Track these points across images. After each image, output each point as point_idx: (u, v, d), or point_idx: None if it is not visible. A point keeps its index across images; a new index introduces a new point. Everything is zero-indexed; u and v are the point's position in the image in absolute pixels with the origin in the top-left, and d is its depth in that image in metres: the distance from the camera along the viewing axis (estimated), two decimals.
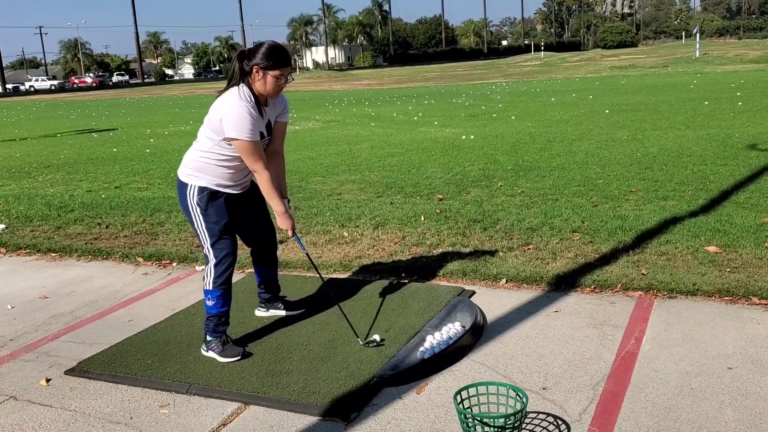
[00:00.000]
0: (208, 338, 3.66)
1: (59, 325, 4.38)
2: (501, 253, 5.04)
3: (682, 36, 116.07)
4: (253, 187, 3.74)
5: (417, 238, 5.62)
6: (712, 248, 4.81)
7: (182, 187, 3.60)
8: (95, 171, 10.41)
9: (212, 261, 3.62)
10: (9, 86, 78.35)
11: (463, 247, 5.26)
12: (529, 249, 5.12)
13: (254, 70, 3.40)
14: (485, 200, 6.77)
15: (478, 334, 3.71)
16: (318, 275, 4.20)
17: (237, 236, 3.77)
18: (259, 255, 4.02)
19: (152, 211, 7.10)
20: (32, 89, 79.08)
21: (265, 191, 3.54)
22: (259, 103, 3.49)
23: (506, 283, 4.51)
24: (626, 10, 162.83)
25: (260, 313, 4.16)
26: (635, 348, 3.49)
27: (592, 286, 4.34)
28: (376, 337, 3.69)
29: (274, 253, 4.07)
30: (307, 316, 4.11)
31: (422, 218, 6.17)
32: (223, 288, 3.63)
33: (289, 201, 3.80)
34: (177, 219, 6.73)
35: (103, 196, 8.17)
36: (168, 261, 5.58)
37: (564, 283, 4.41)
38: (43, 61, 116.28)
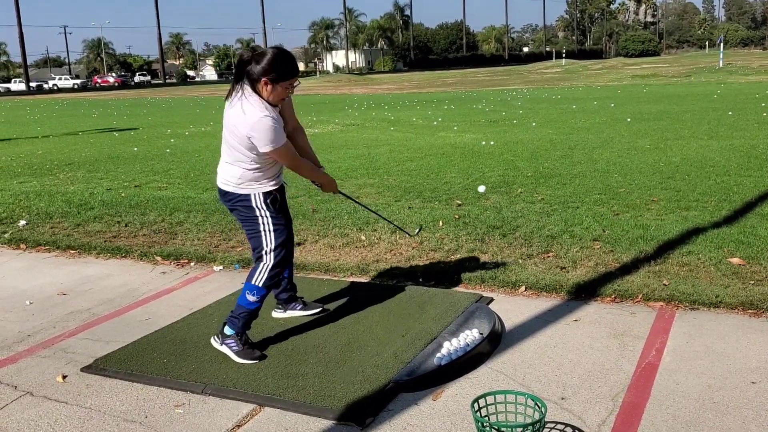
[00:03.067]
0: (227, 332, 3.61)
1: (77, 322, 4.39)
2: (520, 261, 4.99)
3: (705, 45, 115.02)
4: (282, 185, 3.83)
5: (435, 243, 5.58)
6: (735, 260, 4.73)
7: (242, 198, 3.58)
8: (115, 169, 10.48)
9: (271, 262, 3.64)
10: (33, 84, 79.35)
11: (482, 254, 5.22)
12: (548, 257, 5.06)
13: (263, 82, 3.35)
14: (505, 206, 6.71)
15: (495, 341, 3.67)
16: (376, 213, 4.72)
17: None
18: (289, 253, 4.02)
19: (171, 211, 7.13)
20: (55, 88, 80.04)
21: (309, 175, 3.73)
22: (272, 105, 3.47)
23: (525, 290, 4.47)
24: (649, 19, 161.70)
25: (278, 314, 4.15)
26: (656, 359, 3.43)
27: (613, 296, 4.28)
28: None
29: (293, 251, 4.08)
30: (323, 318, 4.09)
31: (440, 223, 6.13)
32: (270, 288, 3.68)
33: (324, 168, 3.95)
34: (196, 219, 6.75)
35: (122, 194, 8.22)
36: (186, 260, 5.59)
37: (584, 292, 4.36)
38: (66, 60, 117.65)
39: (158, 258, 5.67)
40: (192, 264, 5.53)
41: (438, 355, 3.45)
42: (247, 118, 3.34)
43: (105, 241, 6.18)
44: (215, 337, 3.69)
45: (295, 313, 4.11)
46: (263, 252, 3.64)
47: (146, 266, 5.55)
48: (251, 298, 3.60)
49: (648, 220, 5.97)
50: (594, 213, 6.28)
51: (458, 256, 5.23)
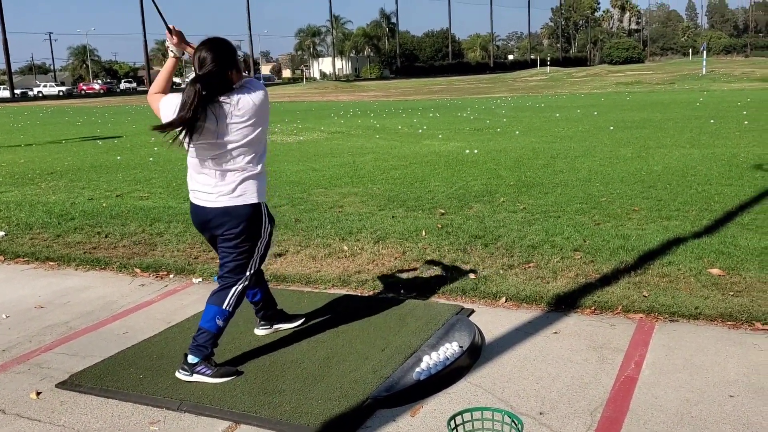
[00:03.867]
0: (193, 360, 3.44)
1: (53, 336, 4.34)
2: (501, 271, 4.99)
3: (689, 53, 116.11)
4: None
5: (417, 253, 5.57)
6: (715, 270, 4.75)
7: (252, 209, 3.43)
8: (98, 179, 10.40)
9: (244, 283, 3.55)
10: (18, 91, 78.72)
11: (464, 264, 5.21)
12: (529, 267, 5.06)
13: (237, 64, 3.41)
14: (487, 216, 6.72)
15: (475, 355, 3.65)
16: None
17: None
18: (259, 271, 3.99)
19: (152, 221, 7.07)
20: (40, 95, 79.44)
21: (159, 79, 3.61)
22: None
23: (506, 302, 4.46)
24: (633, 26, 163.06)
25: (263, 331, 4.09)
26: (635, 373, 3.43)
27: (593, 308, 4.28)
28: None
29: (262, 271, 4.05)
30: (302, 332, 4.06)
31: (423, 233, 6.12)
32: (238, 306, 3.59)
33: None
34: (176, 229, 6.70)
35: (104, 204, 8.15)
36: (165, 272, 5.54)
37: (564, 304, 4.36)
38: (52, 67, 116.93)
39: (137, 270, 5.62)
40: (171, 276, 5.48)
41: (417, 369, 3.43)
42: (262, 97, 3.36)
43: (85, 253, 6.12)
44: (180, 370, 3.47)
45: (281, 326, 4.08)
46: (242, 275, 3.52)
47: (125, 278, 5.50)
48: (220, 323, 3.48)
49: (629, 230, 5.98)
50: (575, 223, 6.29)
51: (439, 266, 5.22)
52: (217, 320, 3.48)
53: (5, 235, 6.89)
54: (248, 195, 3.40)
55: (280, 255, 5.73)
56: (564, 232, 5.90)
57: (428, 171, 9.77)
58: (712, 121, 15.06)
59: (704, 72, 48.85)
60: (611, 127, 14.65)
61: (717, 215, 6.36)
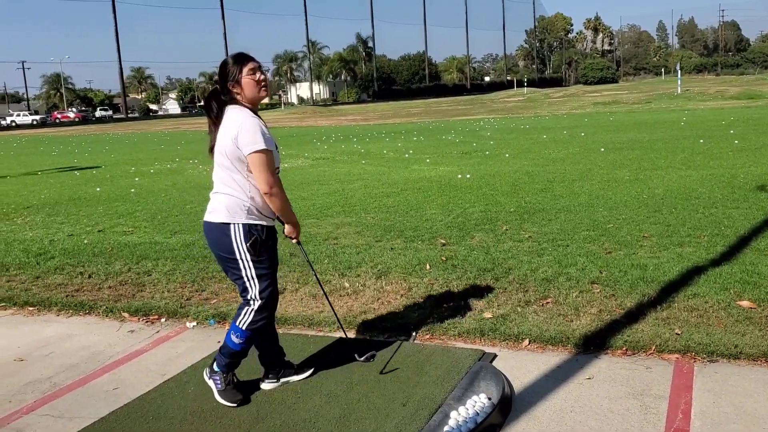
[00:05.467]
0: (215, 368, 3.58)
1: (35, 394, 3.94)
2: (519, 309, 4.67)
3: (661, 72, 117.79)
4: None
5: (424, 289, 5.24)
6: (744, 303, 4.48)
7: (222, 228, 3.36)
8: (77, 213, 9.97)
9: (256, 304, 3.45)
10: None
11: (476, 301, 4.89)
12: (547, 303, 4.76)
13: (232, 88, 3.30)
14: (492, 246, 6.42)
15: (507, 408, 3.32)
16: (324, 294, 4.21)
17: None
18: None
19: (138, 259, 6.68)
20: (14, 124, 78.37)
21: (282, 204, 3.41)
22: (258, 115, 3.37)
23: (529, 344, 4.14)
24: (606, 47, 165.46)
25: (270, 386, 3.74)
26: (684, 424, 3.13)
27: (624, 348, 3.97)
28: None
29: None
30: (312, 385, 3.71)
31: (427, 266, 5.80)
32: (255, 332, 3.49)
33: None
34: (165, 267, 6.31)
35: (85, 241, 7.73)
36: (156, 316, 5.16)
37: (592, 344, 4.05)
38: (25, 96, 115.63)
39: (125, 314, 5.23)
40: (163, 320, 5.10)
41: (446, 428, 3.10)
42: (234, 120, 3.26)
43: (67, 296, 5.72)
44: (207, 369, 3.66)
45: (289, 378, 3.74)
46: (249, 297, 3.46)
47: (112, 324, 5.11)
48: (236, 339, 3.48)
49: (643, 258, 5.71)
50: (586, 252, 6.01)
51: (451, 303, 4.89)
52: (233, 336, 3.48)
53: None
54: (222, 212, 3.36)
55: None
56: (577, 262, 5.61)
57: (422, 198, 9.48)
58: (701, 141, 14.97)
59: (679, 91, 49.40)
60: (602, 149, 14.49)
61: (730, 241, 6.11)
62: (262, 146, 3.23)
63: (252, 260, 3.36)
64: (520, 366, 3.86)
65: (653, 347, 3.93)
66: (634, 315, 4.41)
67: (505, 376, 3.66)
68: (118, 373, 4.19)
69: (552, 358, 3.94)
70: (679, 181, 9.43)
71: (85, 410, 3.67)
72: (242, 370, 3.96)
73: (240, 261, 3.36)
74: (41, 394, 3.94)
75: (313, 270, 4.11)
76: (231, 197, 3.34)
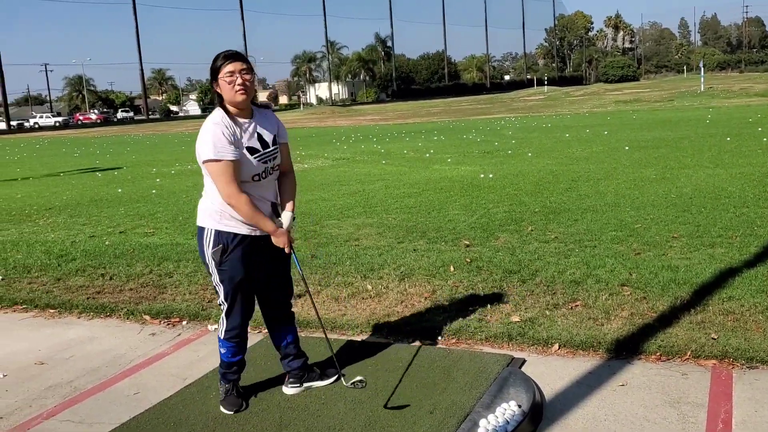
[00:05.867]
0: (219, 377, 3.60)
1: (56, 398, 3.89)
2: (547, 312, 4.55)
3: (683, 70, 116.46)
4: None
5: (449, 292, 5.13)
6: None
7: (200, 232, 3.36)
8: (99, 214, 9.97)
9: (223, 310, 3.45)
10: (14, 123, 78.55)
11: (503, 304, 4.77)
12: (576, 306, 4.63)
13: (215, 87, 3.22)
14: (517, 247, 6.29)
15: (538, 417, 3.21)
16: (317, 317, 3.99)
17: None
18: (274, 317, 3.59)
19: (159, 260, 6.64)
20: (36, 126, 79.25)
21: (247, 215, 3.22)
22: (234, 119, 3.24)
23: (559, 349, 4.02)
24: (627, 45, 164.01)
25: (292, 390, 3.65)
26: None
27: (658, 353, 3.84)
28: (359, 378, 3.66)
29: (292, 315, 3.66)
30: (337, 392, 3.61)
31: (451, 268, 5.69)
32: (236, 341, 3.45)
33: (294, 218, 3.47)
34: (186, 269, 6.26)
35: (107, 242, 7.71)
36: (177, 319, 5.10)
37: (625, 349, 3.92)
38: (48, 98, 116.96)
39: (146, 317, 5.17)
40: (184, 323, 5.04)
41: None
42: (203, 125, 3.23)
43: (88, 298, 5.68)
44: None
45: (313, 384, 3.64)
46: (219, 302, 3.48)
47: (133, 327, 5.05)
48: (221, 349, 3.51)
49: (674, 259, 5.55)
50: (614, 252, 5.86)
51: (477, 306, 4.78)
52: (219, 346, 3.52)
53: (2, 279, 6.45)
54: (200, 216, 3.35)
55: (300, 296, 5.29)
56: (605, 264, 5.47)
57: (444, 198, 9.36)
58: (728, 138, 14.68)
59: (702, 88, 48.76)
60: (626, 147, 14.26)
61: (764, 241, 5.93)
62: (212, 156, 3.12)
63: (216, 267, 3.32)
64: (550, 372, 3.74)
65: (689, 353, 3.79)
66: (668, 319, 4.26)
67: (535, 382, 3.54)
68: (139, 377, 4.13)
69: (583, 364, 3.82)
70: (708, 180, 9.22)
71: (106, 415, 3.61)
72: (264, 373, 3.89)
73: (208, 266, 3.36)
74: (62, 398, 3.89)
75: (304, 281, 3.87)
76: (207, 202, 3.33)
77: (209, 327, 4.89)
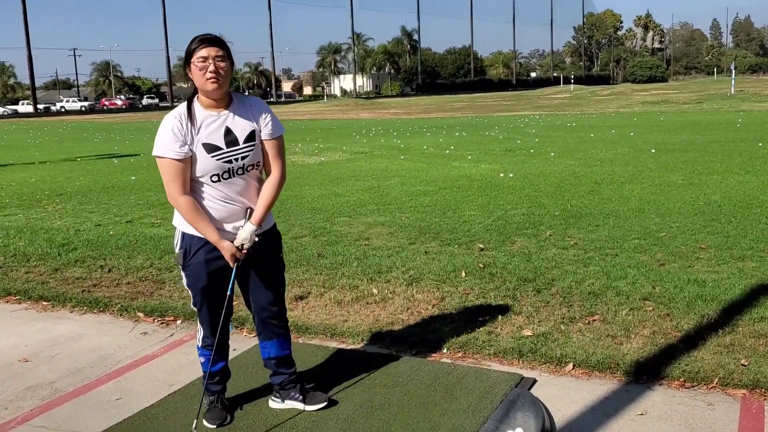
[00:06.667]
0: (204, 392, 3.33)
1: (35, 401, 3.66)
2: (562, 326, 4.24)
3: (713, 72, 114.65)
4: (260, 241, 3.10)
5: (458, 299, 4.84)
6: None
7: (174, 231, 3.20)
8: (108, 201, 9.79)
9: (199, 317, 3.25)
10: (40, 106, 79.34)
11: (515, 316, 4.47)
12: (594, 321, 4.31)
13: (187, 72, 2.98)
14: (534, 253, 5.97)
15: None
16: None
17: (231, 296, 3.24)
18: (262, 323, 3.30)
19: (161, 254, 6.41)
20: (63, 110, 79.97)
21: (188, 219, 2.99)
22: (195, 112, 2.95)
23: (573, 369, 3.71)
24: (656, 45, 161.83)
25: (275, 404, 3.38)
26: None
27: (681, 379, 3.51)
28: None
29: (282, 324, 3.34)
30: (329, 407, 3.34)
31: (463, 273, 5.39)
32: (211, 349, 3.18)
33: (255, 231, 3.05)
34: None
35: (111, 232, 7.51)
36: (172, 318, 4.86)
37: (645, 373, 3.60)
38: (75, 83, 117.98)
39: (140, 314, 4.94)
40: (178, 322, 4.80)
41: None
42: None
43: (83, 291, 5.46)
44: None
45: (295, 405, 3.35)
46: (191, 304, 3.27)
47: (126, 324, 4.82)
48: (200, 358, 3.32)
49: (700, 272, 5.21)
50: (637, 263, 5.52)
51: (487, 317, 4.48)
52: (199, 357, 3.34)
53: (0, 267, 6.26)
54: (175, 214, 3.14)
55: (302, 298, 5.03)
56: (627, 275, 5.14)
57: (461, 197, 9.05)
58: (760, 144, 14.17)
59: (733, 91, 47.77)
60: (653, 150, 13.81)
61: None
62: (156, 152, 2.94)
63: (182, 270, 3.15)
64: (563, 395, 3.43)
65: (716, 380, 3.46)
66: (693, 340, 3.93)
67: (545, 406, 3.22)
68: (123, 380, 3.89)
69: (599, 387, 3.50)
70: (738, 188, 8.81)
71: (83, 423, 3.37)
72: (253, 382, 3.63)
73: (180, 268, 3.16)
74: (40, 401, 3.66)
75: (230, 303, 3.24)
76: None
77: None
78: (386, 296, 4.99)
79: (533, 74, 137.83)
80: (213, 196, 3.00)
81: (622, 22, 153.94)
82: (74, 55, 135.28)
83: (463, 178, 10.85)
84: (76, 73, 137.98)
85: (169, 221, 8.07)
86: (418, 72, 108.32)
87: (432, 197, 9.15)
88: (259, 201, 3.06)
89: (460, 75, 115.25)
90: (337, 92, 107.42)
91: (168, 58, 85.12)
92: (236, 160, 2.98)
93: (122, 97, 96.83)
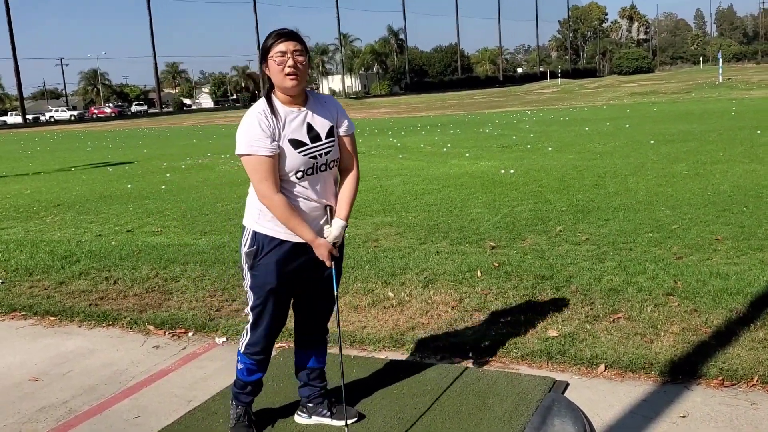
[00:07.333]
0: (231, 400, 3.23)
1: (49, 422, 3.53)
2: (587, 325, 4.13)
3: (699, 61, 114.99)
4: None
5: (477, 300, 4.72)
6: None
7: (242, 231, 3.02)
8: (107, 211, 9.63)
9: (249, 320, 3.06)
10: (29, 117, 78.73)
11: (538, 315, 4.36)
12: (619, 319, 4.21)
13: (264, 69, 2.87)
14: (547, 249, 5.87)
15: None
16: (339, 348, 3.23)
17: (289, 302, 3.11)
18: (309, 331, 3.20)
19: (166, 263, 6.27)
20: (52, 119, 79.38)
21: (281, 218, 2.84)
22: (279, 108, 2.84)
23: (605, 370, 3.60)
24: (642, 36, 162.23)
25: (302, 420, 3.26)
26: None
27: (719, 378, 3.41)
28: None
29: (325, 334, 3.25)
30: (358, 422, 3.22)
31: (479, 273, 5.28)
32: (256, 358, 3.04)
33: (346, 227, 3.01)
34: (194, 273, 5.89)
35: (113, 242, 7.36)
36: (183, 330, 4.73)
37: (680, 372, 3.50)
38: (63, 92, 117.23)
39: (150, 327, 4.80)
40: (190, 334, 4.67)
41: None
42: (243, 117, 2.91)
43: (90, 305, 5.32)
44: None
45: (323, 421, 3.23)
46: (246, 308, 3.08)
47: (136, 338, 4.68)
48: (238, 365, 3.14)
49: (720, 265, 5.11)
50: (654, 257, 5.43)
51: (509, 318, 4.37)
52: (237, 362, 3.14)
53: (2, 282, 6.11)
54: (245, 213, 3.01)
55: None
56: (646, 270, 5.04)
57: (465, 195, 8.94)
58: (759, 132, 14.13)
59: (721, 80, 47.90)
60: (652, 141, 13.75)
61: None
62: (244, 150, 2.78)
63: (248, 270, 2.97)
64: (598, 398, 3.32)
65: (755, 377, 3.37)
66: (725, 335, 3.84)
67: (583, 412, 3.12)
68: (140, 397, 3.76)
69: (634, 389, 3.40)
70: (746, 176, 8.74)
71: None
72: (280, 396, 3.51)
73: (242, 268, 3.00)
74: (55, 422, 3.53)
75: (336, 303, 3.14)
76: (250, 198, 2.97)
77: (216, 340, 4.51)
78: (403, 299, 4.87)
79: (520, 70, 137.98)
80: (296, 194, 2.87)
81: (607, 14, 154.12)
82: (61, 65, 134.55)
83: (465, 176, 10.74)
84: (64, 83, 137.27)
85: (170, 229, 7.98)
86: (407, 71, 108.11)
87: (436, 196, 9.04)
88: (344, 197, 2.99)
89: (447, 73, 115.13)
90: (326, 93, 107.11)
91: (155, 64, 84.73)
92: (320, 155, 2.88)
93: (111, 104, 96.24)
